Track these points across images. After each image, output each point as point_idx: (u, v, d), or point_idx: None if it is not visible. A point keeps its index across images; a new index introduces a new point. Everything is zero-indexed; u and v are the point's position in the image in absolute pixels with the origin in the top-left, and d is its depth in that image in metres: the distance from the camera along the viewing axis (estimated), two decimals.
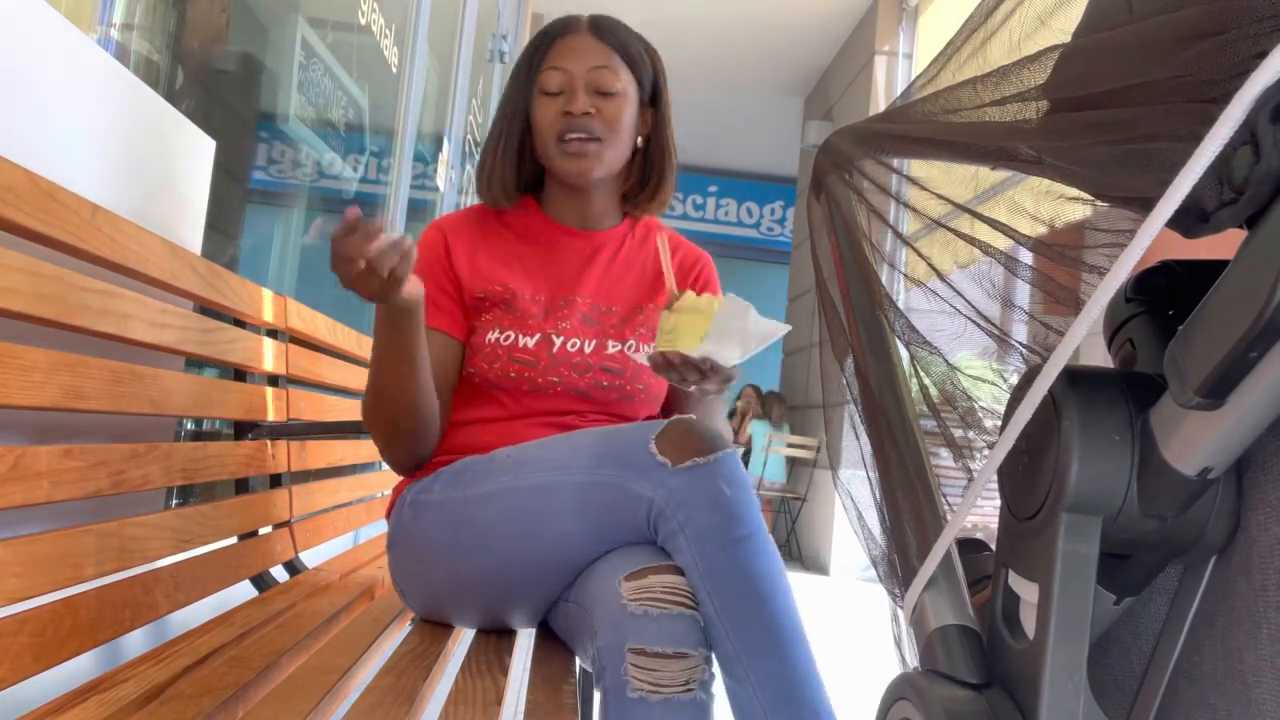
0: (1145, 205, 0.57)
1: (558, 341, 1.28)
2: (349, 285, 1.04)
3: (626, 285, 1.37)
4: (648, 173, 1.40)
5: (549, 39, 1.32)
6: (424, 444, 1.26)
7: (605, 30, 1.32)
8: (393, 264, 1.01)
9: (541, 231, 1.39)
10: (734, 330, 1.10)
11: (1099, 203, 0.77)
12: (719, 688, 1.00)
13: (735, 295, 1.12)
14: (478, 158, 1.43)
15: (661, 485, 1.04)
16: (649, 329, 1.35)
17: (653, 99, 1.38)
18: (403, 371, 1.18)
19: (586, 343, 1.30)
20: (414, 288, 1.11)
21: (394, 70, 3.89)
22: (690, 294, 1.14)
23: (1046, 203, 0.83)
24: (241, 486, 1.61)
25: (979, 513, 0.86)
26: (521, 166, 1.35)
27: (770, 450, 7.04)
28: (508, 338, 1.29)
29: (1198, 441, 0.64)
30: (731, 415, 8.04)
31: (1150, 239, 0.57)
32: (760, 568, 1.02)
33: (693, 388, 1.15)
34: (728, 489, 1.03)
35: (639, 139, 1.37)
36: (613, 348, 1.32)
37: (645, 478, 1.05)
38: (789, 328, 1.13)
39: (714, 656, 1.02)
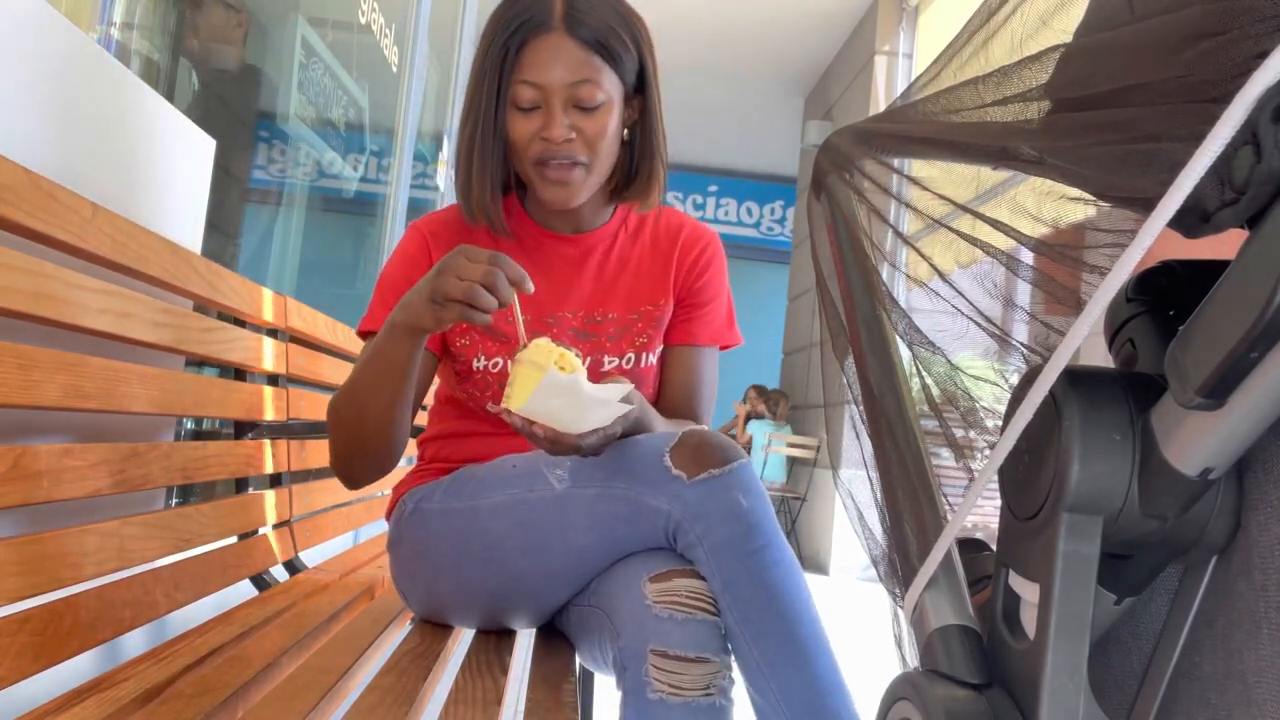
0: (1146, 205, 0.57)
1: None
2: (446, 296, 0.97)
3: (621, 288, 1.31)
4: (635, 165, 1.27)
5: (518, 39, 1.15)
6: (388, 461, 1.18)
7: (582, 23, 1.14)
8: (483, 306, 0.96)
9: (528, 237, 1.30)
10: (563, 395, 0.97)
11: (1100, 203, 0.77)
12: (739, 693, 1.00)
13: (574, 357, 1.00)
14: (454, 165, 1.26)
15: (677, 499, 1.03)
16: (649, 334, 1.30)
17: (639, 85, 1.23)
18: (397, 386, 1.11)
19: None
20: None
21: (394, 70, 3.89)
22: (537, 344, 1.00)
23: (1048, 203, 0.83)
24: (241, 486, 1.61)
25: (979, 513, 0.86)
26: (502, 176, 1.23)
27: (770, 450, 7.04)
28: (495, 365, 1.25)
29: (1198, 442, 0.64)
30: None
31: (1151, 239, 0.57)
32: (779, 577, 1.01)
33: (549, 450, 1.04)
34: (744, 500, 1.03)
35: (625, 131, 1.24)
36: (609, 363, 1.27)
37: (660, 491, 1.04)
38: (631, 406, 1.02)
39: (735, 664, 1.01)
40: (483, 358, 1.25)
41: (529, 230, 1.30)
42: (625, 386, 1.03)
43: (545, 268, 1.29)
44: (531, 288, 0.99)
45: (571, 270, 1.30)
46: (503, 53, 1.15)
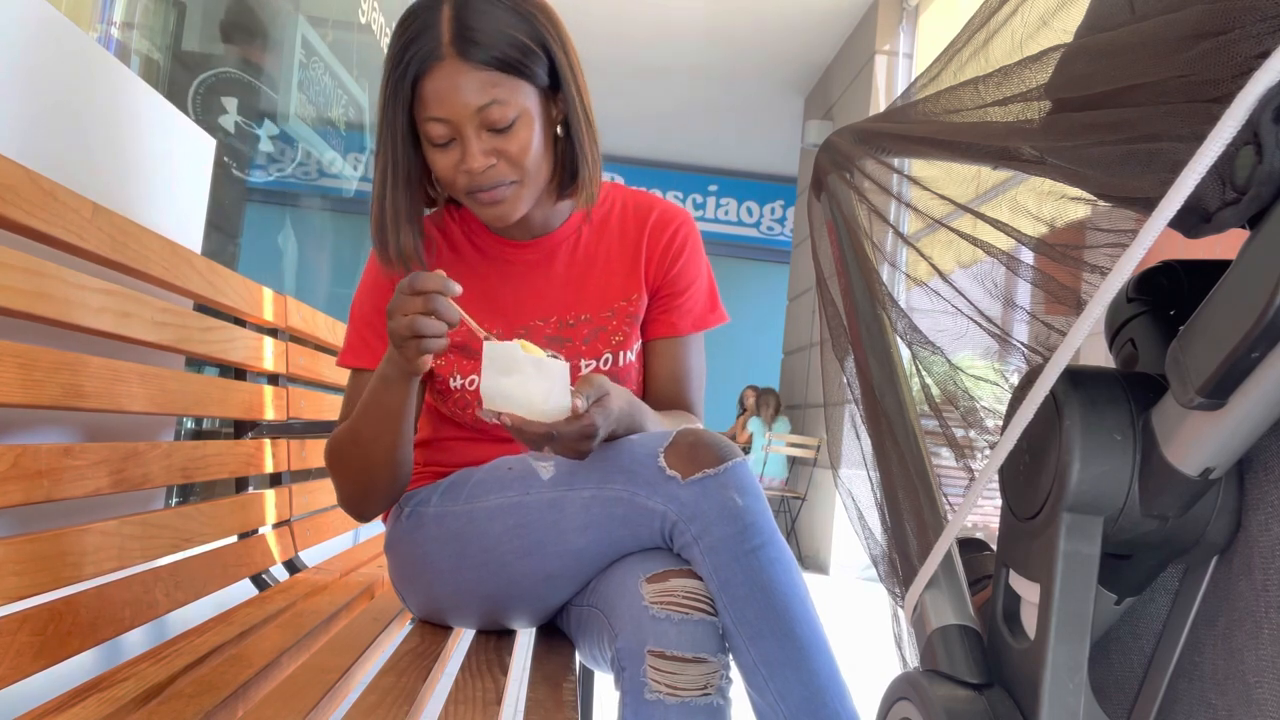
0: (1147, 205, 0.57)
1: None
2: (398, 337, 0.99)
3: (591, 287, 1.27)
4: (574, 160, 1.20)
5: (413, 73, 1.08)
6: (396, 491, 1.19)
7: (473, 42, 1.07)
8: (432, 332, 0.97)
9: (489, 247, 1.27)
10: (508, 371, 0.96)
11: (1101, 203, 0.77)
12: (737, 692, 1.00)
13: (542, 353, 0.98)
14: (372, 204, 1.19)
15: (673, 499, 1.03)
16: (625, 332, 1.27)
17: (556, 81, 1.15)
18: (397, 430, 1.11)
19: None
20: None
21: None
22: (512, 344, 0.99)
23: (1048, 202, 0.83)
24: (241, 485, 1.61)
25: (979, 512, 0.85)
26: (419, 210, 1.19)
27: (770, 449, 7.05)
28: (471, 382, 1.23)
29: (1199, 442, 0.64)
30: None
31: (1152, 239, 0.57)
32: (776, 576, 1.01)
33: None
34: (740, 499, 1.02)
35: (557, 129, 1.18)
36: (586, 367, 1.25)
37: (656, 492, 1.04)
38: (565, 364, 0.98)
39: (733, 663, 1.01)
40: (458, 376, 1.24)
41: (488, 241, 1.28)
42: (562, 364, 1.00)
43: (509, 277, 1.26)
44: (458, 289, 0.98)
45: (537, 276, 1.27)
46: (397, 89, 1.10)
